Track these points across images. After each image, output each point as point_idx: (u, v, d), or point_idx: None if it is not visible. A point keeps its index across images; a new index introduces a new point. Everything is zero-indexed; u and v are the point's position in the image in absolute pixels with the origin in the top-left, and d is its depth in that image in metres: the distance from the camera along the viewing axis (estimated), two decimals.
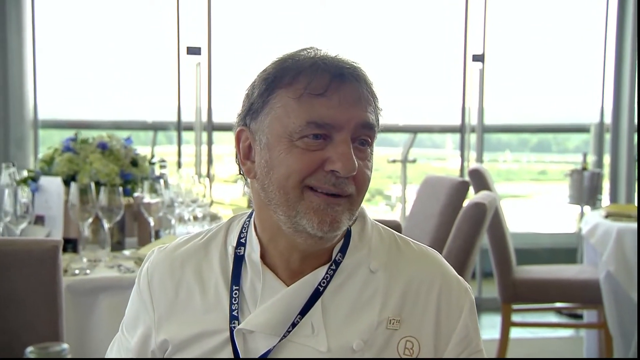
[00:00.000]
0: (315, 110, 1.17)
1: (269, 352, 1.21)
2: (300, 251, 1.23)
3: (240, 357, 1.21)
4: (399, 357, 1.22)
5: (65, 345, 0.70)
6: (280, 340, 1.21)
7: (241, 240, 1.29)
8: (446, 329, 1.25)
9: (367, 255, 1.27)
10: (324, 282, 1.23)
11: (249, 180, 1.27)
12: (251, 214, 1.31)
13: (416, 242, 1.36)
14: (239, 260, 1.27)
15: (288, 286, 1.24)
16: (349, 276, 1.25)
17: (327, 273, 1.24)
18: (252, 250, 1.27)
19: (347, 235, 1.27)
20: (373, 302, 1.23)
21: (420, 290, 1.26)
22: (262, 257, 1.26)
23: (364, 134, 1.21)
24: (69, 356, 0.69)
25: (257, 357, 1.21)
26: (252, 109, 1.23)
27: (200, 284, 1.28)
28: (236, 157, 1.29)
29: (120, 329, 1.37)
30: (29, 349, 0.69)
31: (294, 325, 1.21)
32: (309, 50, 1.24)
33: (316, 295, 1.23)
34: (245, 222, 1.31)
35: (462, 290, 1.30)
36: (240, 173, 1.30)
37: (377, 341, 1.21)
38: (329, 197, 1.18)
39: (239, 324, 1.22)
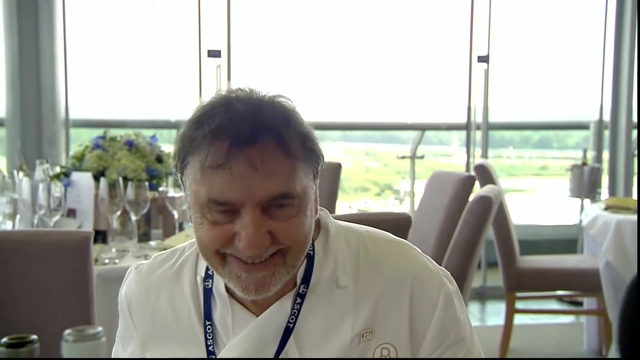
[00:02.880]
0: (214, 186, 1.04)
1: None
2: None
3: None
4: None
5: (99, 328, 0.70)
6: None
7: (209, 272, 1.20)
8: (421, 328, 1.16)
9: (334, 271, 1.17)
10: (292, 319, 1.15)
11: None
12: None
13: (388, 237, 1.26)
14: (208, 293, 1.20)
15: (257, 316, 1.16)
16: (317, 299, 1.16)
17: (293, 307, 1.15)
18: (219, 283, 1.18)
19: (309, 256, 1.16)
20: (344, 319, 1.15)
21: (392, 296, 1.16)
22: (228, 289, 1.17)
23: (277, 203, 1.06)
24: (104, 338, 0.70)
25: None
26: (176, 167, 1.12)
27: (174, 314, 1.22)
28: None
29: (117, 339, 1.29)
30: (67, 331, 0.69)
31: None
32: (218, 107, 1.07)
33: (287, 333, 1.15)
34: None
35: (434, 285, 1.18)
36: None
37: (352, 356, 1.14)
38: (250, 265, 1.07)
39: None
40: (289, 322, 1.15)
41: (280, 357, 1.14)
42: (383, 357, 1.15)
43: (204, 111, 1.08)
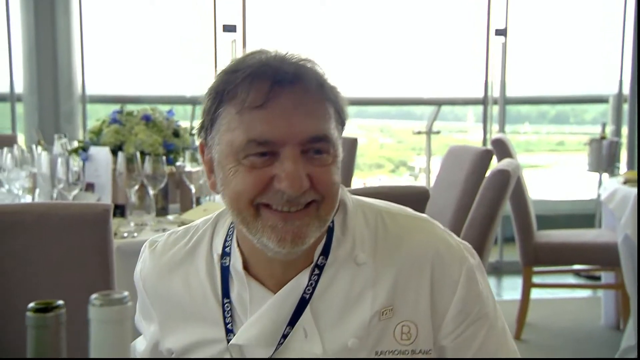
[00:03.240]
0: (255, 126, 1.03)
1: None
2: (280, 261, 1.12)
3: None
4: (396, 344, 1.14)
5: (126, 293, 0.70)
6: (275, 350, 1.14)
7: (226, 249, 1.19)
8: (442, 306, 1.15)
9: (352, 248, 1.15)
10: (309, 289, 1.13)
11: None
12: None
13: (407, 212, 1.24)
14: (225, 271, 1.18)
15: (275, 293, 1.14)
16: (335, 274, 1.14)
17: (310, 279, 1.13)
18: (236, 261, 1.17)
19: (329, 229, 1.15)
20: (363, 296, 1.14)
21: (412, 273, 1.14)
22: (246, 266, 1.16)
23: (315, 147, 1.05)
24: (130, 303, 0.70)
25: None
26: (204, 125, 1.12)
27: (189, 294, 1.20)
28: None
29: (137, 311, 1.32)
30: (94, 295, 0.70)
31: (285, 336, 1.14)
32: (254, 55, 1.08)
33: (303, 303, 1.13)
34: (229, 229, 1.20)
35: (455, 261, 1.16)
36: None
37: (372, 334, 1.13)
38: (286, 214, 1.05)
39: (233, 337, 1.16)
40: (304, 292, 1.13)
41: (294, 328, 1.13)
42: (403, 341, 1.14)
43: (238, 60, 1.08)
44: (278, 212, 1.05)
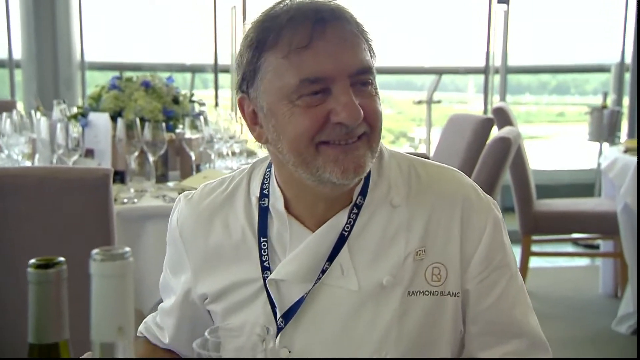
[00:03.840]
0: (305, 66, 1.08)
1: (303, 298, 1.18)
2: (324, 200, 1.18)
3: (276, 303, 1.19)
4: (427, 285, 1.18)
5: (127, 249, 0.70)
6: (313, 286, 1.18)
7: (264, 191, 1.24)
8: (469, 250, 1.20)
9: (388, 191, 1.21)
10: (347, 227, 1.19)
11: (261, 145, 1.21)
12: (270, 164, 1.25)
13: (437, 163, 1.30)
14: (264, 211, 1.23)
15: (313, 232, 1.20)
16: (372, 215, 1.20)
17: (349, 217, 1.19)
18: (276, 201, 1.22)
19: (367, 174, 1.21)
20: (398, 237, 1.18)
21: (442, 217, 1.19)
22: (286, 207, 1.21)
23: (362, 78, 1.12)
24: (131, 258, 0.70)
25: (292, 302, 1.19)
26: (245, 77, 1.15)
27: (228, 235, 1.24)
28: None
29: (164, 268, 1.36)
30: (95, 250, 0.69)
31: (323, 271, 1.18)
32: (284, 3, 1.12)
33: (341, 240, 1.19)
34: (266, 173, 1.26)
35: (483, 209, 1.22)
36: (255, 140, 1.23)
37: (405, 274, 1.17)
38: (345, 146, 1.11)
39: (270, 274, 1.19)
40: (343, 230, 1.19)
41: (332, 265, 1.18)
42: (434, 282, 1.19)
43: (269, 10, 1.13)
44: (337, 146, 1.11)
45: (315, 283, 1.18)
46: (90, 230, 1.96)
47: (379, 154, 1.22)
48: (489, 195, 1.27)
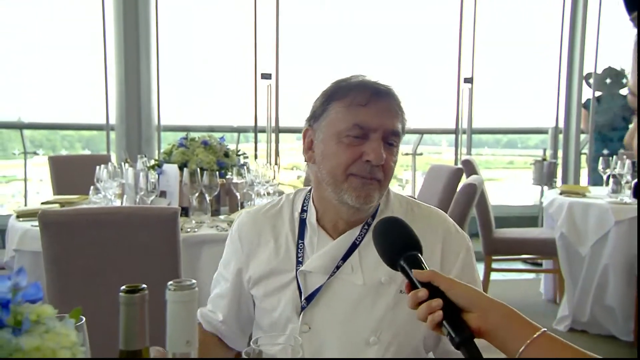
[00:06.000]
0: (359, 116, 1.15)
1: (322, 286, 1.20)
2: (344, 219, 1.22)
3: (302, 289, 1.21)
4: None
5: (194, 281, 0.69)
6: (329, 278, 1.20)
7: (304, 208, 1.28)
8: (448, 267, 1.21)
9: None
10: (359, 238, 1.22)
11: (309, 164, 1.26)
12: (311, 189, 1.30)
13: (425, 204, 1.33)
14: (302, 222, 1.26)
15: (334, 240, 1.23)
16: None
17: (361, 231, 1.22)
18: (311, 216, 1.26)
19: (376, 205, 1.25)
20: None
21: (429, 242, 1.19)
22: (318, 220, 1.25)
23: (391, 139, 1.18)
24: (197, 288, 0.69)
25: (313, 289, 1.21)
26: (315, 115, 1.22)
27: (275, 236, 1.27)
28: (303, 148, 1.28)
29: (219, 267, 1.37)
30: (170, 282, 0.69)
31: (337, 267, 1.20)
32: (357, 75, 1.21)
33: (354, 247, 1.21)
34: (306, 195, 1.30)
35: (460, 239, 1.25)
36: (305, 160, 1.28)
37: (398, 277, 1.14)
38: (365, 180, 1.16)
39: (301, 267, 1.22)
40: (356, 239, 1.22)
41: (345, 263, 1.20)
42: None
43: (342, 80, 1.22)
44: (361, 178, 1.17)
45: (331, 275, 1.20)
46: (164, 253, 1.96)
47: (387, 193, 1.27)
48: (462, 230, 1.29)
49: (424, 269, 0.90)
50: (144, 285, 0.76)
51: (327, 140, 1.18)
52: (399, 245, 0.94)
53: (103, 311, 1.73)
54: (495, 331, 0.84)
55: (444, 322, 0.84)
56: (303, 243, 1.24)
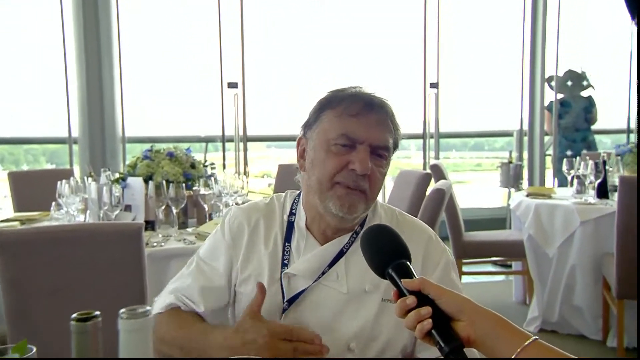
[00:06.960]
0: (348, 126, 1.15)
1: (304, 290, 1.20)
2: (332, 227, 1.22)
3: (285, 291, 1.20)
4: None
5: (148, 307, 0.65)
6: (313, 282, 1.20)
7: (292, 211, 1.28)
8: (428, 274, 1.21)
9: None
10: (347, 246, 1.22)
11: (300, 172, 1.26)
12: (300, 193, 1.29)
13: (410, 216, 1.34)
14: (290, 225, 1.26)
15: (322, 245, 1.23)
16: None
17: (350, 239, 1.22)
18: (300, 219, 1.26)
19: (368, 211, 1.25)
20: None
21: (412, 248, 1.18)
22: (307, 225, 1.25)
23: (379, 152, 1.17)
24: (151, 316, 0.65)
25: (296, 292, 1.20)
26: (308, 122, 1.22)
27: (265, 236, 1.26)
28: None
29: (196, 257, 1.31)
30: (122, 310, 0.65)
31: (323, 273, 1.20)
32: (353, 86, 1.22)
33: (341, 254, 1.21)
34: (295, 199, 1.29)
35: (439, 250, 1.26)
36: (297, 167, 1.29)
37: (382, 285, 1.19)
38: (349, 189, 1.16)
39: (286, 270, 1.21)
40: (343, 247, 1.22)
41: (330, 270, 1.20)
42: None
43: (337, 89, 1.21)
44: (345, 187, 1.16)
45: (315, 281, 1.19)
46: (129, 268, 1.91)
47: (375, 204, 1.27)
48: (444, 244, 1.29)
49: (412, 277, 0.89)
50: (97, 313, 0.71)
51: (317, 148, 1.19)
52: (387, 253, 0.92)
53: (67, 333, 1.65)
54: (485, 340, 0.83)
55: (433, 330, 0.82)
56: (290, 246, 1.24)
